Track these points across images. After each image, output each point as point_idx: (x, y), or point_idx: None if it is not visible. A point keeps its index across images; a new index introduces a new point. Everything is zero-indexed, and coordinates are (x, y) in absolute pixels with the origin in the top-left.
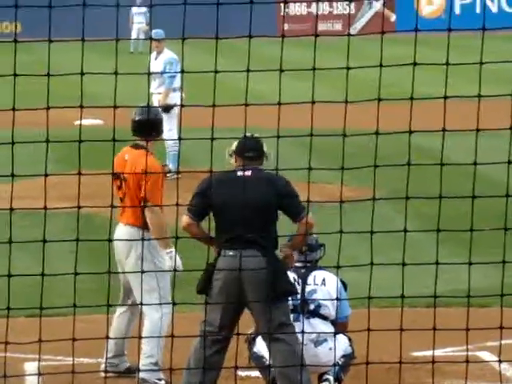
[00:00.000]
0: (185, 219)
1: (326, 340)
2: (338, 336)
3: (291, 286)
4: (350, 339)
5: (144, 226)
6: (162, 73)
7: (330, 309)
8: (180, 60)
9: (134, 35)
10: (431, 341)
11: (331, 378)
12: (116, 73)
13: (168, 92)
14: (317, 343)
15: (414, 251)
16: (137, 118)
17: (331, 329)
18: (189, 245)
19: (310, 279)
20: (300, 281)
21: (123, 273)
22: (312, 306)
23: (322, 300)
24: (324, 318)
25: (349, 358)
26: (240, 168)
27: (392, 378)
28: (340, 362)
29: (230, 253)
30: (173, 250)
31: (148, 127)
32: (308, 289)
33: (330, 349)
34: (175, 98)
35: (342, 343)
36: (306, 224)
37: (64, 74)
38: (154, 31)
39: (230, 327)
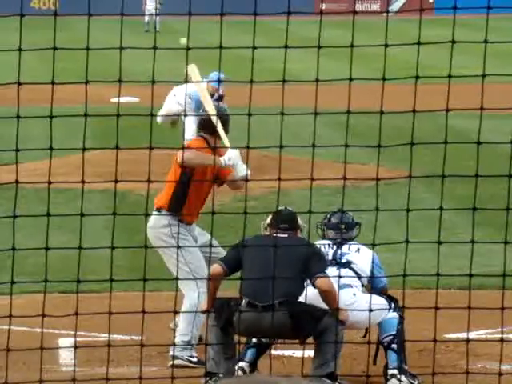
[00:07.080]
0: (215, 267)
1: (349, 285)
2: (372, 296)
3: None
4: (399, 313)
5: (164, 207)
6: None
7: (362, 272)
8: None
9: (147, 15)
10: (464, 323)
11: (396, 372)
12: (155, 47)
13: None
14: (340, 287)
15: (449, 233)
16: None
17: (358, 282)
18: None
19: (344, 247)
20: (334, 246)
21: (155, 247)
22: (344, 260)
23: (351, 257)
24: (355, 273)
25: (397, 340)
26: (276, 232)
27: (425, 359)
28: (394, 347)
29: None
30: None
31: (201, 124)
32: (340, 251)
33: (354, 294)
34: None
35: (377, 302)
36: (321, 283)
37: (102, 48)
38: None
39: None
